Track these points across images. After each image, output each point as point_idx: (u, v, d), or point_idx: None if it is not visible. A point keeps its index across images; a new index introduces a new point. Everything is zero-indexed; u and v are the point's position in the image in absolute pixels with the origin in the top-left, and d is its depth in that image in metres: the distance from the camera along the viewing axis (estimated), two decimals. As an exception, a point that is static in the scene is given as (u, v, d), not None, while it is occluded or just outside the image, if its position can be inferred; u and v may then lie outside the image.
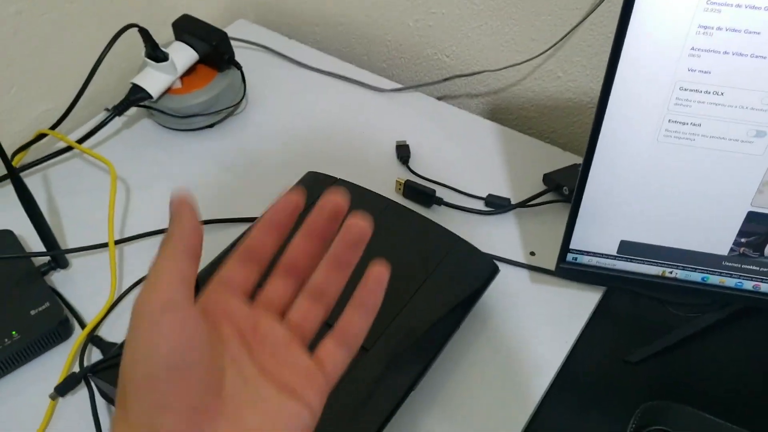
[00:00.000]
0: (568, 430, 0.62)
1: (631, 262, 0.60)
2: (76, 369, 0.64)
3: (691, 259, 0.58)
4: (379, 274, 0.38)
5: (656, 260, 0.59)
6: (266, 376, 0.35)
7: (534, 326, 0.68)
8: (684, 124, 0.51)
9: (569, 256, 0.61)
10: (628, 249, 0.59)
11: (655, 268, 0.60)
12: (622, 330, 0.69)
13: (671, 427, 0.60)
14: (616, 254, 0.60)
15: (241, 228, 0.76)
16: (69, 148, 0.83)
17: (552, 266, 0.72)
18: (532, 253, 0.74)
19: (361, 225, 0.37)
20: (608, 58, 0.50)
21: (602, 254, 0.60)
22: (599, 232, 0.59)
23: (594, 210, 0.57)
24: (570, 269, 0.62)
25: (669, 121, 0.51)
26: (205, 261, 0.67)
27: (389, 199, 0.71)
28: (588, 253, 0.61)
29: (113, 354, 0.59)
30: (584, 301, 0.70)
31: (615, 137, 0.53)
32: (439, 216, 0.77)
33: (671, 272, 0.60)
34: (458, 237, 0.67)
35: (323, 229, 0.38)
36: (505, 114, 0.96)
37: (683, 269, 0.59)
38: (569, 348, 0.67)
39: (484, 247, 0.68)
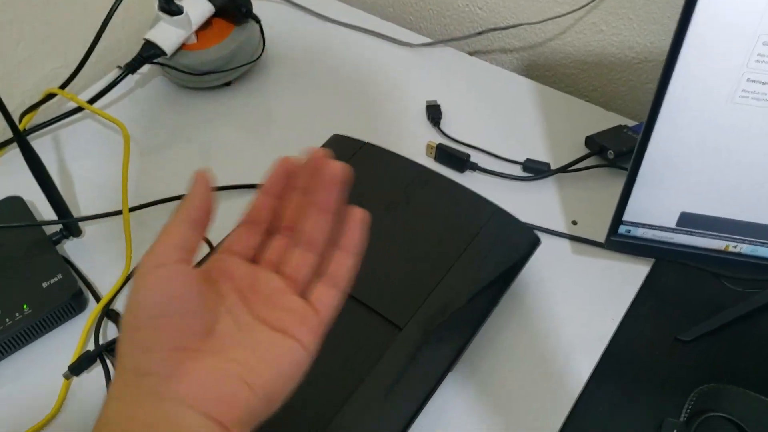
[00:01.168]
0: (616, 414, 0.57)
1: (691, 235, 0.55)
2: (91, 344, 0.60)
3: (760, 232, 0.53)
4: (357, 215, 0.41)
5: (720, 233, 0.54)
6: (260, 321, 0.38)
7: (577, 302, 0.63)
8: (764, 83, 0.45)
9: (622, 228, 0.56)
10: (689, 221, 0.54)
11: (717, 242, 0.55)
12: (674, 306, 0.64)
13: (730, 412, 0.56)
14: (674, 227, 0.55)
15: (263, 194, 0.71)
16: (80, 109, 0.78)
17: (596, 236, 0.67)
18: (574, 222, 0.69)
19: (333, 166, 0.38)
20: (682, 8, 0.43)
21: (659, 227, 0.55)
22: (658, 203, 0.53)
23: (653, 178, 0.52)
24: (622, 242, 0.57)
25: (747, 80, 0.45)
26: (228, 231, 0.62)
27: (421, 165, 0.66)
28: (643, 225, 0.55)
29: (129, 331, 0.55)
30: (632, 274, 0.65)
31: (683, 97, 0.47)
32: (473, 182, 0.72)
33: (735, 246, 0.55)
34: (497, 206, 0.62)
35: (310, 184, 0.40)
36: (543, 71, 0.90)
37: (750, 244, 0.54)
38: (616, 325, 0.62)
39: (522, 215, 0.63)
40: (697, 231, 0.55)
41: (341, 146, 0.69)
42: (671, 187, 0.52)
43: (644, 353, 0.61)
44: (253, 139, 0.78)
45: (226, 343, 0.36)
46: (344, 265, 0.41)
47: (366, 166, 0.66)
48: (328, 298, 0.40)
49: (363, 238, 0.41)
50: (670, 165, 0.51)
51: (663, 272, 0.65)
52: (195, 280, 0.36)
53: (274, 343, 0.37)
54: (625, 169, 0.72)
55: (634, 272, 0.65)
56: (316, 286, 0.40)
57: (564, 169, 0.72)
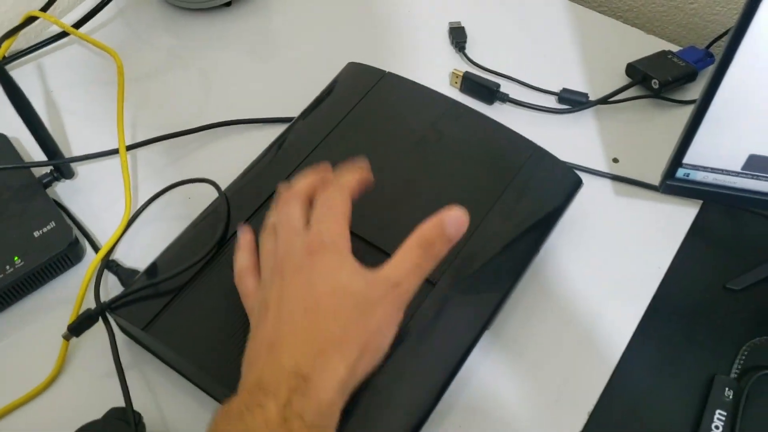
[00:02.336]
0: (663, 370, 0.53)
1: (757, 179, 0.49)
2: (91, 298, 0.55)
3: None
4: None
5: (790, 178, 0.49)
6: None
7: (621, 247, 0.58)
8: None
9: (680, 172, 0.50)
10: (756, 165, 0.48)
11: (786, 187, 0.49)
12: (723, 251, 0.59)
13: (785, 369, 0.52)
14: (740, 170, 0.49)
15: (271, 130, 0.65)
16: (65, 34, 0.70)
17: (640, 175, 0.62)
18: (615, 160, 0.63)
19: None
20: None
21: (723, 170, 0.49)
22: (725, 144, 0.48)
23: (724, 117, 0.46)
24: (679, 187, 0.51)
25: None
26: (234, 171, 0.56)
27: (450, 98, 0.59)
28: (705, 169, 0.50)
29: (136, 288, 0.50)
30: (679, 216, 0.60)
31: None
32: (503, 115, 0.66)
33: (806, 191, 0.49)
34: (535, 145, 0.56)
35: None
36: (573, -12, 0.81)
37: (825, 189, 0.48)
38: (663, 273, 0.57)
39: (558, 152, 0.57)
40: (764, 175, 0.49)
41: (359, 77, 0.62)
42: (742, 126, 0.46)
43: (692, 304, 0.56)
44: (257, 66, 0.71)
45: None
46: None
47: (389, 99, 0.59)
48: None
49: None
50: (746, 102, 0.44)
51: (712, 214, 0.60)
52: None
53: None
54: (671, 100, 0.66)
55: (682, 214, 0.60)
56: None
57: (604, 101, 0.66)
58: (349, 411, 0.44)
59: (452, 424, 0.50)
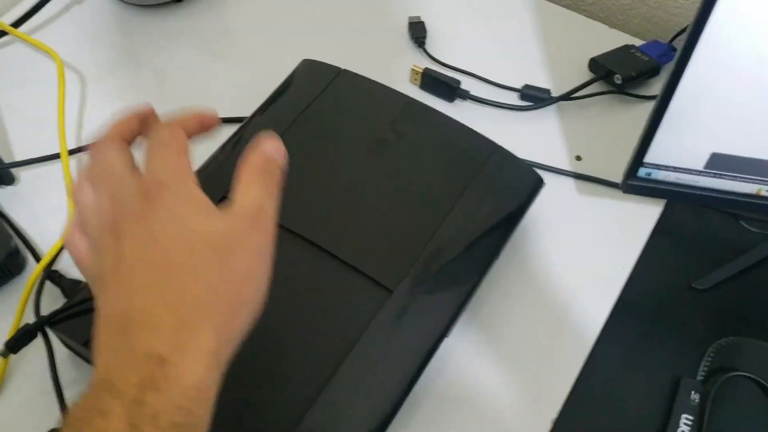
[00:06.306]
0: (629, 374, 0.52)
1: (719, 178, 0.48)
2: (32, 311, 0.52)
3: (802, 174, 0.46)
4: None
5: (753, 177, 0.47)
6: None
7: (585, 249, 0.57)
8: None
9: (641, 171, 0.49)
10: (719, 163, 0.47)
11: (749, 186, 0.48)
12: (688, 250, 0.58)
13: (751, 369, 0.51)
14: (702, 169, 0.48)
15: (224, 129, 0.62)
16: (3, 34, 0.67)
17: (604, 173, 0.60)
18: (578, 158, 0.62)
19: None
20: None
21: (685, 169, 0.48)
22: (686, 143, 0.46)
23: (685, 115, 0.44)
24: (641, 186, 0.50)
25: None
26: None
27: (407, 96, 0.57)
28: (666, 168, 0.48)
29: (78, 300, 0.47)
30: (643, 215, 0.59)
31: (736, 12, 0.38)
32: (464, 112, 0.64)
33: (770, 190, 0.48)
34: (496, 144, 0.54)
35: None
36: (535, -19, 0.80)
37: (789, 187, 0.47)
38: (627, 274, 0.56)
39: (520, 150, 0.55)
40: (727, 174, 0.48)
41: (313, 74, 0.59)
42: (703, 124, 0.45)
43: (657, 304, 0.55)
44: (209, 64, 0.68)
45: None
46: None
47: (344, 98, 0.57)
48: None
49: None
50: (706, 99, 0.43)
51: (676, 212, 0.59)
52: None
53: None
54: (635, 95, 0.65)
55: (646, 213, 0.58)
56: None
57: (566, 97, 0.64)
58: (300, 426, 0.42)
59: (429, 412, 0.48)
